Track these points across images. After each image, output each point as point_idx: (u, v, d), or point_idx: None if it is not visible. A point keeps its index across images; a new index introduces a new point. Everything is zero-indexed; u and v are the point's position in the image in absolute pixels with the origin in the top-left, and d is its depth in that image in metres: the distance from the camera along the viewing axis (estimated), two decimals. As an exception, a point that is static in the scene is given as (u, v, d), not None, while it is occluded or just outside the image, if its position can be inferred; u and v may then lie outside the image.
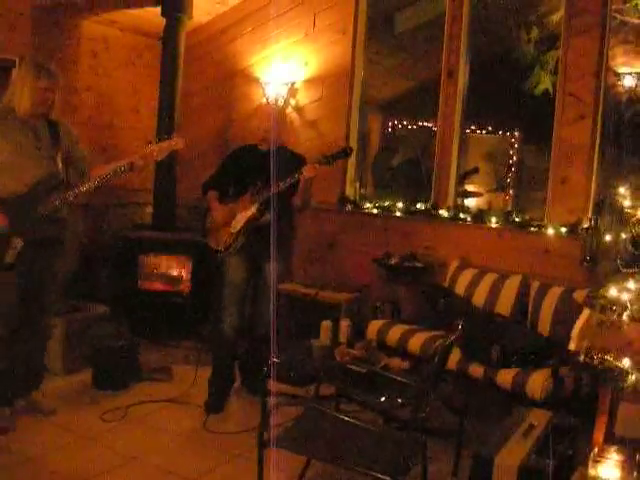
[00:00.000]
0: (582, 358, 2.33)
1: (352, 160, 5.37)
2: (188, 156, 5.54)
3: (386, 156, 6.86)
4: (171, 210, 5.59)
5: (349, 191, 5.50)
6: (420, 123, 6.86)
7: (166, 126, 5.23)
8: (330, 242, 5.44)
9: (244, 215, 3.89)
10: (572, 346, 3.29)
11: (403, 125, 6.99)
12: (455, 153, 5.01)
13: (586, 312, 3.58)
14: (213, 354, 4.10)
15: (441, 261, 4.81)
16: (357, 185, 5.53)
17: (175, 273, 5.54)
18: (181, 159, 5.52)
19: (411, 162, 6.68)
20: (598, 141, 4.24)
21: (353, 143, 5.39)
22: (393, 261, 4.90)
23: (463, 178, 5.60)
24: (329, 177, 5.00)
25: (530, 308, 4.17)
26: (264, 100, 5.64)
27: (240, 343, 4.08)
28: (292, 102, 5.62)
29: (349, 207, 5.37)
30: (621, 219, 2.81)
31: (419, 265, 4.80)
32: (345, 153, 3.81)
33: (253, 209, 3.86)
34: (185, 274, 5.48)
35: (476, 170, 6.12)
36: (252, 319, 4.07)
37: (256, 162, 3.87)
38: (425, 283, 4.65)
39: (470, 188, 6.40)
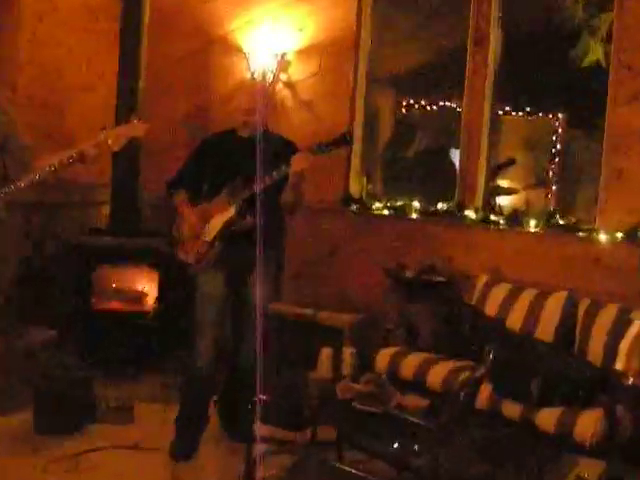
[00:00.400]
0: (631, 380, 2.31)
1: (357, 149, 5.44)
2: (155, 145, 5.61)
3: (400, 144, 6.90)
4: (133, 210, 5.63)
5: (354, 188, 5.56)
6: (441, 102, 6.85)
7: (128, 107, 5.30)
8: (330, 251, 5.51)
9: (220, 219, 3.93)
10: (619, 365, 3.33)
11: (420, 105, 7.01)
12: (485, 140, 5.09)
13: (637, 325, 3.66)
14: (182, 389, 4.15)
15: (467, 274, 4.88)
16: (364, 180, 5.60)
17: (139, 289, 5.59)
18: (146, 148, 5.56)
19: (431, 152, 6.70)
20: (662, 125, 4.21)
21: (359, 128, 5.46)
22: (408, 274, 4.96)
23: (496, 172, 5.59)
24: (329, 170, 5.07)
25: (578, 332, 4.21)
26: (248, 75, 5.68)
27: (218, 377, 4.13)
28: (283, 77, 5.67)
29: (354, 207, 5.46)
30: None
31: (440, 279, 4.86)
32: (344, 140, 3.82)
33: (231, 211, 3.89)
34: (151, 290, 5.53)
35: (512, 162, 6.15)
36: (234, 347, 4.13)
37: (235, 152, 3.93)
38: (448, 301, 4.74)
39: (503, 183, 6.39)
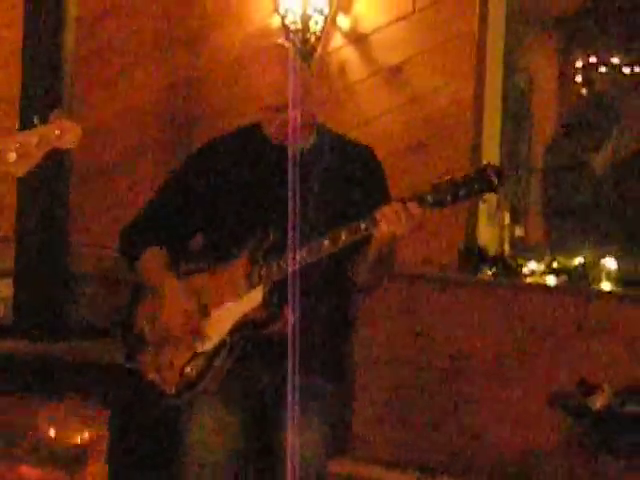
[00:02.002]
0: None
1: (491, 157, 5.00)
2: (96, 164, 5.40)
3: (577, 146, 5.96)
4: (57, 289, 5.28)
5: (487, 234, 5.13)
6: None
7: (42, 97, 5.02)
8: (443, 362, 4.96)
9: (232, 311, 3.28)
10: None
11: (610, 65, 6.04)
12: None
13: None
14: None
15: None
16: (506, 219, 5.12)
17: (71, 441, 4.77)
18: (81, 172, 5.32)
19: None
20: None
21: (493, 112, 5.08)
22: (598, 401, 4.45)
23: None
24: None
25: None
26: (275, 20, 5.26)
27: None
28: (343, 24, 5.22)
29: (487, 272, 4.98)
30: None
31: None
32: (484, 183, 2.89)
33: (255, 298, 3.22)
34: (98, 445, 4.72)
35: None
36: None
37: (264, 176, 3.36)
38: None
39: None
